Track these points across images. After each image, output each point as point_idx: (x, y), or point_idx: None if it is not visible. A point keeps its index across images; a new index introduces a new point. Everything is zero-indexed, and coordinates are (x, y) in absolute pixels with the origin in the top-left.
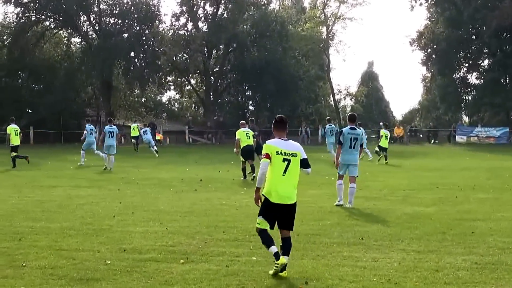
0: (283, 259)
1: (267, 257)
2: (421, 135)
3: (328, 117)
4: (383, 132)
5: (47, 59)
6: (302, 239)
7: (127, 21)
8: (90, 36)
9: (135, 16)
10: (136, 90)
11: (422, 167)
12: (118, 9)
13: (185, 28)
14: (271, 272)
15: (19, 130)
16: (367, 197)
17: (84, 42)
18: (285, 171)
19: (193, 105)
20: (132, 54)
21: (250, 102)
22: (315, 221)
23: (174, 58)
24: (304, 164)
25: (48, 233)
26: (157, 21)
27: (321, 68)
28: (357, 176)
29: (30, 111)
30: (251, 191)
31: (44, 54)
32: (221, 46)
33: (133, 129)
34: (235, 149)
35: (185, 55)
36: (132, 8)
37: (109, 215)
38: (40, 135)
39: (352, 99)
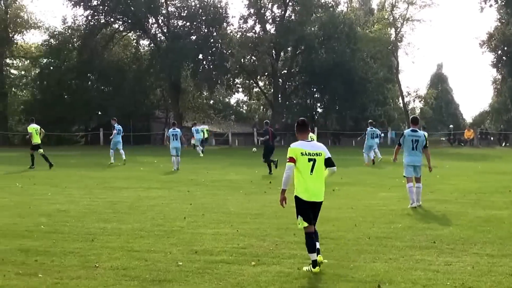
0: (320, 258)
1: (339, 260)
2: (491, 138)
3: (370, 121)
4: None
5: (116, 62)
6: (374, 242)
7: (195, 23)
8: (158, 39)
9: (203, 18)
10: (205, 92)
11: (493, 170)
12: (186, 11)
13: (253, 30)
14: (304, 268)
15: (39, 129)
16: (439, 200)
17: (152, 45)
18: (312, 170)
19: (261, 107)
20: (200, 56)
21: (318, 104)
22: (386, 224)
23: (242, 60)
24: (329, 163)
25: (119, 234)
26: (225, 24)
27: (389, 70)
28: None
29: (99, 113)
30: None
31: (113, 57)
32: (289, 48)
33: (202, 131)
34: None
35: (253, 57)
36: (200, 11)
37: (180, 217)
38: (109, 137)
39: (421, 102)
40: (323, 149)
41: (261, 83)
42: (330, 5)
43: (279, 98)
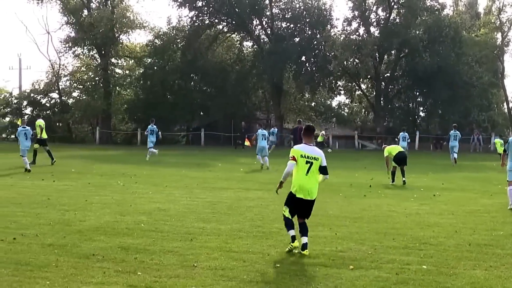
0: (303, 239)
1: (438, 266)
2: None
3: (454, 124)
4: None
5: (219, 62)
6: (474, 249)
7: (299, 25)
8: (261, 40)
9: (307, 20)
10: (306, 94)
11: None
12: (290, 13)
13: (357, 33)
14: (286, 249)
15: (44, 125)
16: None
17: (255, 46)
18: (307, 172)
19: (363, 110)
20: (303, 58)
21: (421, 108)
22: (487, 231)
23: (345, 62)
24: (323, 171)
25: (218, 234)
26: (328, 26)
27: (494, 75)
28: None
29: (201, 113)
30: (420, 198)
31: (216, 58)
32: (392, 51)
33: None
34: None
35: (356, 59)
36: (304, 13)
37: (279, 218)
38: (210, 137)
39: None
40: (321, 155)
41: (363, 86)
42: (435, 8)
43: (381, 101)
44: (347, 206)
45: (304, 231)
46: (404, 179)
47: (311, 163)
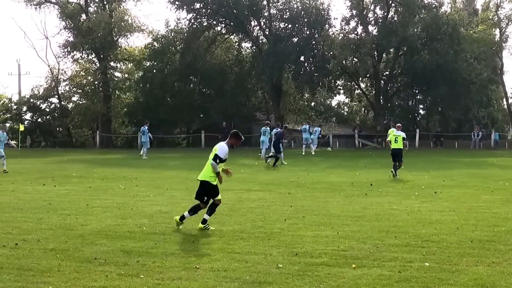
0: (175, 220)
1: (440, 264)
2: None
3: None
4: None
5: (218, 64)
6: (476, 245)
7: (297, 25)
8: (260, 41)
9: (305, 20)
10: (306, 94)
11: None
12: (288, 13)
13: (355, 32)
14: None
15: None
16: None
17: (254, 47)
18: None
19: (363, 109)
20: (302, 58)
21: (421, 106)
22: (489, 227)
23: (343, 62)
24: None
25: (220, 236)
26: (327, 25)
27: (493, 71)
28: None
29: (201, 115)
30: (422, 196)
31: (215, 59)
32: (391, 50)
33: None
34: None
35: (354, 59)
36: (302, 13)
37: (280, 219)
38: (210, 139)
39: None
40: (216, 150)
41: (362, 85)
42: (433, 5)
43: (381, 100)
44: (349, 205)
45: (209, 212)
46: (393, 170)
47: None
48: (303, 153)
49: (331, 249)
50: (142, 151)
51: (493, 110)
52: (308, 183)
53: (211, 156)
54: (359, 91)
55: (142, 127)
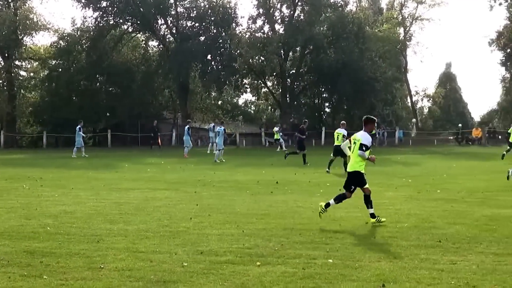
0: None
1: (344, 260)
2: (499, 137)
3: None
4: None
5: (125, 63)
6: (379, 241)
7: (204, 24)
8: (167, 39)
9: (212, 19)
10: (213, 93)
11: (501, 169)
12: (195, 12)
13: (262, 31)
14: None
15: None
16: (445, 199)
17: (161, 46)
18: None
19: (269, 107)
20: (208, 57)
21: (327, 104)
22: (392, 224)
23: (250, 60)
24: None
25: (125, 235)
26: (233, 24)
27: (398, 69)
28: None
29: (108, 114)
30: (327, 193)
31: (121, 58)
32: (297, 48)
33: (275, 132)
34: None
35: (261, 57)
36: (209, 11)
37: (186, 217)
38: (117, 138)
39: (430, 101)
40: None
41: (269, 83)
42: (339, 4)
43: (287, 98)
44: (254, 203)
45: None
46: (328, 170)
47: None
48: (208, 151)
49: (236, 247)
50: (75, 151)
51: (397, 108)
52: (214, 182)
53: (356, 147)
54: (265, 89)
55: (78, 127)
